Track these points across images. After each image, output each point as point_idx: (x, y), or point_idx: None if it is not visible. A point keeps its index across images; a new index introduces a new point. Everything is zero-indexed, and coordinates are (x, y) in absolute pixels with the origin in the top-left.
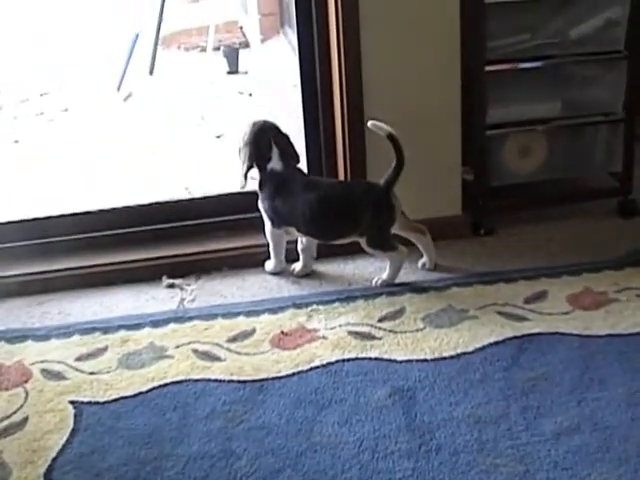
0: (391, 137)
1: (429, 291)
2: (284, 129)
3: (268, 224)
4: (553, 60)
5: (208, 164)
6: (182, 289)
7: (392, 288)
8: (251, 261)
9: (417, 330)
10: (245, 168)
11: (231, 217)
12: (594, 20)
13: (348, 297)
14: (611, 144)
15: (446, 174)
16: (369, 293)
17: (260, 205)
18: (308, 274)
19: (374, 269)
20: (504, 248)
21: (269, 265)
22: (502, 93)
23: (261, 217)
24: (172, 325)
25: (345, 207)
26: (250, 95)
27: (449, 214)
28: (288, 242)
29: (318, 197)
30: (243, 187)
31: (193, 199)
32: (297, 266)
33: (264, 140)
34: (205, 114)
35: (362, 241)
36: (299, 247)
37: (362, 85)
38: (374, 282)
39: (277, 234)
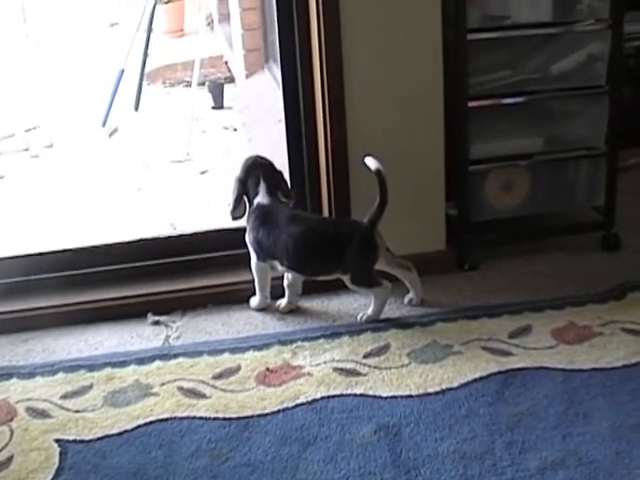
0: (378, 174)
1: (414, 327)
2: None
3: (253, 257)
4: (535, 95)
5: (193, 200)
6: (167, 326)
7: (377, 324)
8: (236, 298)
9: (402, 366)
10: (233, 202)
11: (216, 254)
12: (575, 55)
13: (333, 333)
14: (593, 178)
15: (430, 209)
16: (354, 329)
17: (246, 238)
18: (293, 310)
19: (358, 305)
20: (488, 282)
21: (254, 301)
22: (484, 128)
23: (247, 252)
24: (157, 362)
25: (328, 244)
26: (235, 130)
27: (433, 249)
28: (274, 278)
29: (301, 232)
30: (233, 219)
31: (179, 235)
32: (282, 302)
33: (254, 175)
34: (190, 150)
35: (346, 278)
36: (285, 283)
37: (345, 120)
38: (359, 318)
39: (262, 268)
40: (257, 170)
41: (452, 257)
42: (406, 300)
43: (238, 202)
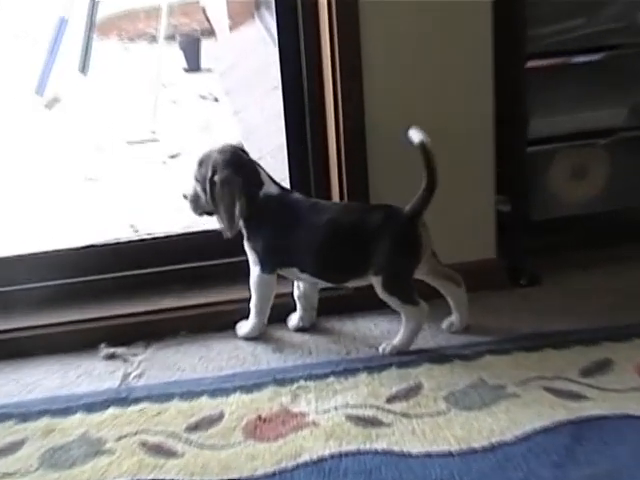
0: (423, 149)
1: (454, 360)
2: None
3: (256, 269)
4: (616, 51)
5: (160, 193)
6: (126, 361)
7: (405, 357)
8: (217, 323)
9: (438, 413)
10: (237, 209)
11: (190, 265)
12: None
13: (346, 369)
14: None
15: (475, 205)
16: (374, 364)
17: (247, 245)
18: (306, 329)
19: (381, 332)
20: (552, 302)
21: (245, 327)
22: (548, 97)
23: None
24: (112, 409)
25: (358, 235)
26: (216, 100)
27: (479, 258)
28: (279, 295)
29: (326, 224)
30: (229, 237)
31: (140, 240)
32: (293, 318)
33: (248, 164)
34: (156, 127)
35: (376, 282)
36: (295, 294)
37: (363, 88)
38: (381, 349)
39: (267, 282)
40: (244, 158)
41: (504, 268)
42: (445, 325)
43: (238, 212)
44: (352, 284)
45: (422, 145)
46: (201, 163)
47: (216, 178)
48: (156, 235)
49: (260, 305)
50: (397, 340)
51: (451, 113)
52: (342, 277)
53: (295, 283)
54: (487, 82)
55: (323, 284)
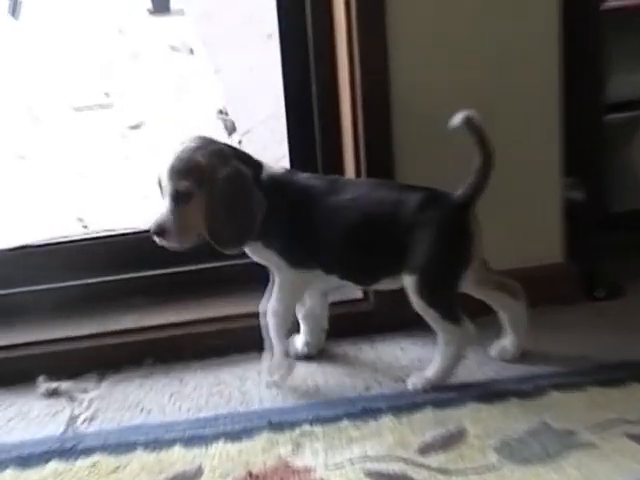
0: (469, 123)
1: (508, 398)
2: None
3: (282, 268)
4: None
5: (117, 177)
6: (72, 399)
7: (443, 394)
8: (194, 348)
9: (487, 469)
10: (257, 207)
11: (158, 271)
12: None
13: (365, 410)
14: None
15: (535, 194)
16: (402, 403)
17: (260, 246)
18: (312, 356)
19: (409, 360)
20: (637, 320)
21: (274, 363)
22: (632, 47)
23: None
24: (55, 464)
25: (392, 221)
26: (191, 52)
27: (542, 263)
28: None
29: (351, 207)
30: (236, 251)
31: (92, 239)
32: (295, 343)
33: (237, 150)
34: (111, 88)
35: (411, 285)
36: (299, 312)
37: (386, 33)
38: (411, 383)
39: (299, 280)
40: (227, 145)
41: (575, 276)
42: (496, 351)
43: (259, 211)
44: (384, 286)
45: (467, 120)
46: (177, 172)
47: (219, 176)
48: (112, 232)
49: (283, 312)
50: (432, 371)
51: (502, 70)
52: (370, 275)
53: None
54: (551, 31)
55: (351, 286)
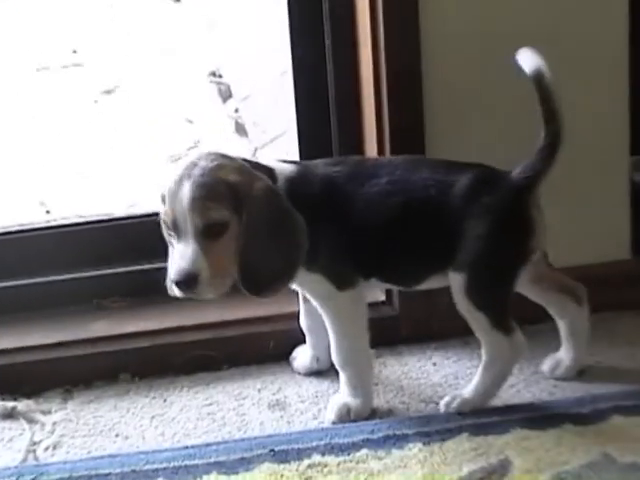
0: (539, 81)
1: (562, 424)
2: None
3: (333, 295)
4: None
5: (85, 151)
6: (32, 421)
7: (483, 417)
8: (180, 360)
9: None
10: (301, 234)
11: (136, 267)
12: None
13: (389, 438)
14: None
15: (598, 173)
16: (434, 429)
17: (304, 267)
18: (322, 372)
19: (443, 377)
20: None
21: (357, 405)
22: None
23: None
24: None
25: (436, 209)
26: (178, 1)
27: (605, 260)
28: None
29: (389, 193)
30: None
31: (55, 227)
32: (302, 356)
33: (244, 160)
34: (80, 44)
35: (457, 283)
36: (304, 322)
37: None
38: (443, 404)
39: (357, 299)
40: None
41: None
42: (548, 366)
43: (304, 239)
44: (427, 285)
45: (538, 75)
46: (204, 200)
47: (253, 194)
48: (80, 220)
49: (360, 352)
50: (471, 390)
51: (564, 39)
52: (415, 274)
53: (302, 308)
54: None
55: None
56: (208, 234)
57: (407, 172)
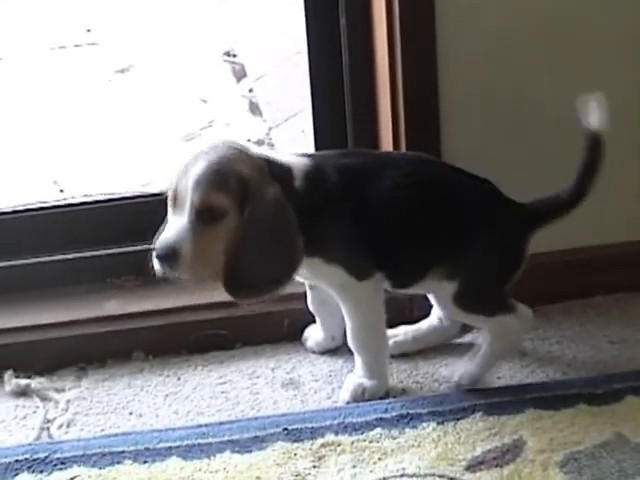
0: (594, 142)
1: (577, 405)
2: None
3: (352, 285)
4: None
5: (100, 131)
6: (46, 399)
7: (495, 397)
8: (193, 339)
9: None
10: (298, 242)
11: (145, 246)
12: None
13: (402, 417)
14: None
15: (615, 157)
16: (447, 408)
17: (319, 262)
18: (335, 350)
19: (455, 356)
20: None
21: (372, 386)
22: None
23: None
24: (24, 477)
25: (442, 210)
26: None
27: (618, 240)
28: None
29: (407, 187)
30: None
31: (68, 205)
32: (315, 335)
33: (263, 161)
34: (94, 22)
35: (447, 290)
36: (312, 308)
37: None
38: (455, 380)
39: (375, 290)
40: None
41: None
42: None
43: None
44: (415, 290)
45: (597, 134)
46: (211, 182)
47: (264, 198)
48: (92, 198)
49: (377, 337)
50: (475, 364)
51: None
52: (416, 271)
53: (310, 293)
54: None
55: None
56: (203, 217)
57: (422, 168)
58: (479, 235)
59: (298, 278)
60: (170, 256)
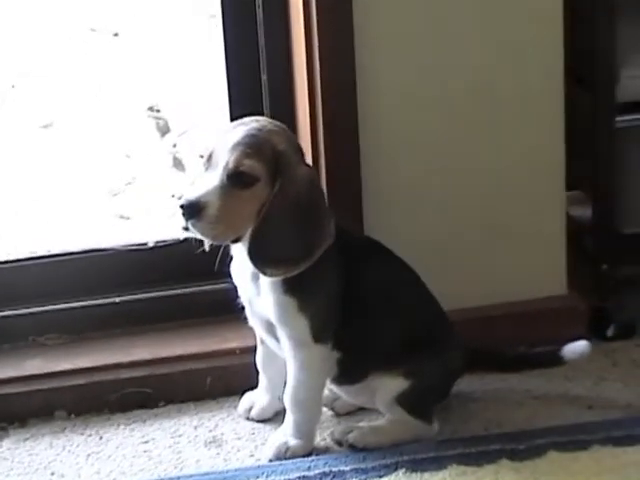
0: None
1: (499, 460)
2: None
3: (307, 345)
4: None
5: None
6: None
7: (418, 453)
8: (116, 397)
9: None
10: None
11: (68, 304)
12: None
13: (325, 474)
14: None
15: (536, 211)
16: (369, 465)
17: (289, 308)
18: (267, 420)
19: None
20: None
21: (296, 445)
22: None
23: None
24: None
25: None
26: (116, 35)
27: (541, 295)
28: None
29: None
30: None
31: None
32: (260, 400)
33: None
34: (16, 79)
35: (391, 385)
36: (259, 359)
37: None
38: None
39: (325, 359)
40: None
41: (581, 311)
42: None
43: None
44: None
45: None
46: (247, 147)
47: (297, 173)
48: (13, 256)
49: (314, 401)
50: (373, 427)
51: (496, 67)
52: (365, 365)
53: (259, 346)
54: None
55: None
56: (233, 180)
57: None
58: (432, 350)
59: (254, 322)
60: (195, 211)
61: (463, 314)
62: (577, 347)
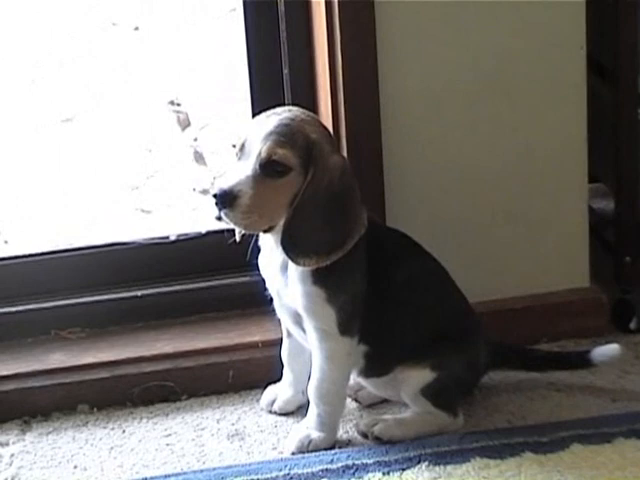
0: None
1: (523, 453)
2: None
3: (333, 336)
4: None
5: (49, 179)
6: None
7: (441, 446)
8: (139, 392)
9: None
10: (353, 232)
11: (91, 298)
12: None
13: (348, 467)
14: None
15: (558, 203)
16: (392, 458)
17: (317, 298)
18: (291, 412)
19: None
20: None
21: (306, 436)
22: None
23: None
24: None
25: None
26: (136, 29)
27: (563, 288)
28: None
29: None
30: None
31: (10, 258)
32: (282, 394)
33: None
34: (37, 73)
35: (418, 377)
36: (284, 352)
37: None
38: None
39: (349, 352)
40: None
41: (604, 303)
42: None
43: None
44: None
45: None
46: (280, 136)
47: (330, 163)
48: (37, 250)
49: (339, 394)
50: (398, 419)
51: (518, 58)
52: (390, 358)
53: (285, 340)
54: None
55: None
56: (267, 169)
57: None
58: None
59: (282, 313)
60: (228, 200)
61: (486, 306)
62: (607, 350)
